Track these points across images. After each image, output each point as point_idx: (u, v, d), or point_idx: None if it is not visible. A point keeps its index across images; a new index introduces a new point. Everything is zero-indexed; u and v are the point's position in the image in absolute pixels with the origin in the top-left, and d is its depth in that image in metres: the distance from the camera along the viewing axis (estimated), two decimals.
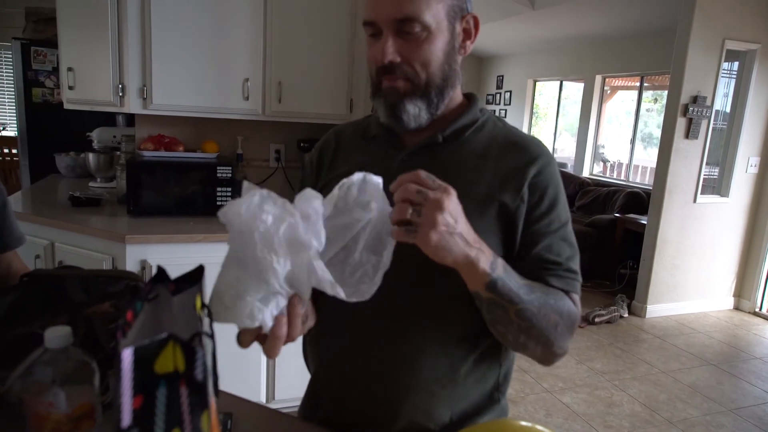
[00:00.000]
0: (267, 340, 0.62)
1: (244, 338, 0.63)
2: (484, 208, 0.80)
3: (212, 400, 0.52)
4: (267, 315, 0.61)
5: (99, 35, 2.22)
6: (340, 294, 0.61)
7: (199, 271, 0.61)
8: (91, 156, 2.82)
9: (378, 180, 0.67)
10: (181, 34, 2.22)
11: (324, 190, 0.76)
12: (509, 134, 0.87)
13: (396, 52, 0.77)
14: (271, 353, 0.63)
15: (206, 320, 0.55)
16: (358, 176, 0.66)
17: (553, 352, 0.79)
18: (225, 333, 2.21)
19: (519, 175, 0.81)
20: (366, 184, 0.67)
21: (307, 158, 1.01)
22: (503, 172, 0.82)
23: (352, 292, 0.64)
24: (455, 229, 0.66)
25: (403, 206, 0.64)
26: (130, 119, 2.99)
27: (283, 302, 0.63)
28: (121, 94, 2.23)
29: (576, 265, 0.83)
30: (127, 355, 0.45)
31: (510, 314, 0.73)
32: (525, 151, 0.83)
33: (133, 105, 2.24)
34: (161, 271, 0.60)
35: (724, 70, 3.90)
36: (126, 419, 0.46)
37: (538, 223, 0.81)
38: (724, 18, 3.75)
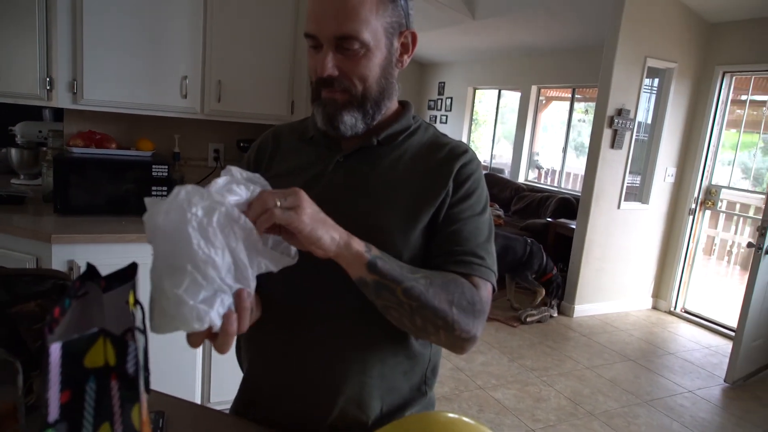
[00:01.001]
0: (218, 337, 0.63)
1: (193, 339, 0.64)
2: (412, 211, 0.84)
3: (143, 396, 0.53)
4: (214, 315, 0.60)
5: (25, 24, 2.11)
6: (287, 262, 0.67)
7: (132, 268, 0.61)
8: (13, 151, 2.66)
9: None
10: (117, 25, 2.15)
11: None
12: (438, 138, 0.93)
13: (335, 67, 0.80)
14: (223, 349, 0.65)
15: (139, 316, 0.56)
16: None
17: (458, 336, 0.78)
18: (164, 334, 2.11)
19: (445, 172, 0.86)
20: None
21: (245, 157, 1.02)
22: (431, 171, 0.87)
23: (287, 260, 0.69)
24: (320, 213, 0.70)
25: (266, 200, 0.66)
26: (58, 114, 2.85)
27: (228, 299, 0.63)
28: (48, 88, 2.13)
29: (484, 251, 0.84)
30: (55, 350, 0.46)
31: (398, 294, 0.74)
32: (451, 151, 0.89)
33: (61, 99, 2.15)
34: (91, 268, 0.60)
35: (645, 85, 4.19)
36: (53, 413, 0.47)
37: (451, 209, 0.85)
38: (646, 37, 4.04)
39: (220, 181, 0.65)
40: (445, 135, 0.95)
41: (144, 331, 0.55)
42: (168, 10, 2.22)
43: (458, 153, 0.88)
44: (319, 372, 0.86)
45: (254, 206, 0.65)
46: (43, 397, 0.46)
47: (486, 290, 0.83)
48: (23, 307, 0.84)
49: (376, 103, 0.86)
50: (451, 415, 0.90)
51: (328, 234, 0.69)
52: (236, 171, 0.68)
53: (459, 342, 0.79)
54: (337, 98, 0.83)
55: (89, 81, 2.15)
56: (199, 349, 2.18)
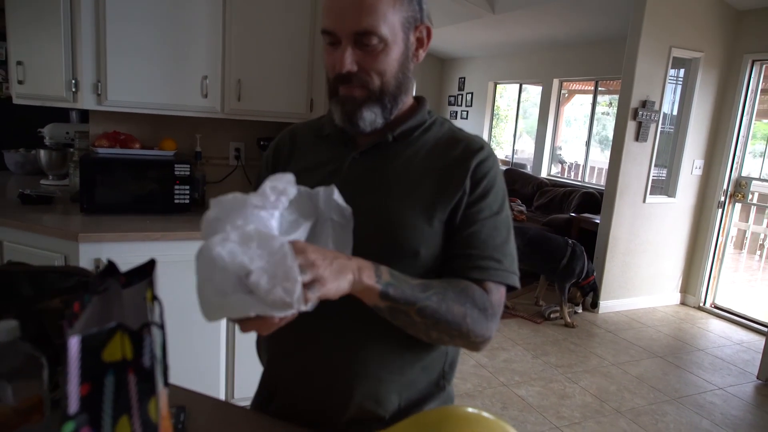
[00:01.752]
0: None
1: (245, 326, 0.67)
2: (429, 207, 0.84)
3: (162, 389, 0.54)
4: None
5: (51, 28, 2.16)
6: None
7: (150, 265, 0.62)
8: (42, 152, 2.74)
9: (339, 199, 0.76)
10: (138, 28, 2.19)
11: None
12: (453, 133, 0.92)
13: (354, 62, 0.80)
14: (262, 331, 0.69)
15: (157, 311, 0.56)
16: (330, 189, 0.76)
17: (473, 341, 0.81)
18: (183, 330, 2.19)
19: (462, 168, 0.85)
20: (331, 196, 0.76)
21: (264, 157, 1.03)
22: (447, 168, 0.86)
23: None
24: (334, 261, 0.68)
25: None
26: (84, 115, 2.92)
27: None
28: (74, 90, 2.18)
29: (502, 253, 0.84)
30: (74, 344, 0.47)
31: (412, 316, 0.76)
32: (467, 146, 0.88)
33: (86, 101, 2.19)
34: (111, 264, 0.61)
35: (671, 76, 4.09)
36: (73, 406, 0.47)
37: (469, 209, 0.85)
38: (670, 27, 3.94)
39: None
40: (461, 129, 0.94)
41: (162, 327, 0.56)
42: (188, 12, 2.25)
43: (474, 149, 0.87)
44: (337, 367, 0.86)
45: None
46: (63, 390, 0.47)
47: (499, 293, 0.84)
48: (49, 303, 0.86)
49: (394, 97, 0.86)
50: (470, 409, 0.89)
51: (346, 280, 0.70)
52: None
53: (474, 345, 0.83)
54: (356, 95, 0.83)
55: (112, 82, 2.19)
56: (223, 346, 2.21)
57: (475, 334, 0.80)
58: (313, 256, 0.66)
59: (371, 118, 0.85)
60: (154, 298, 0.60)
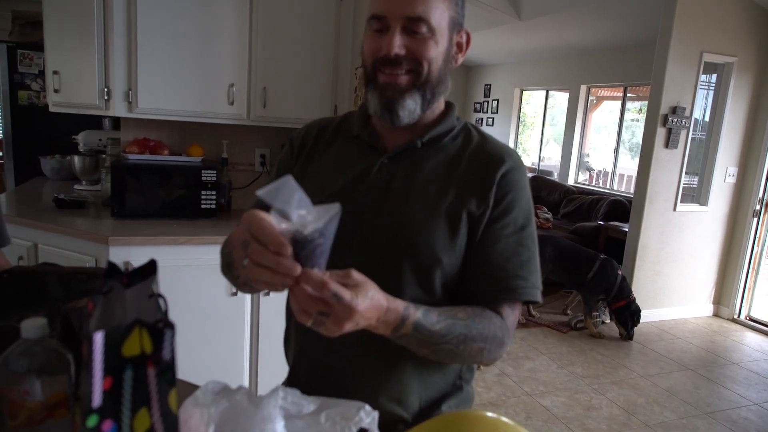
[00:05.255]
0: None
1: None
2: (453, 216, 0.84)
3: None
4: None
5: (85, 39, 2.24)
6: None
7: (151, 265, 0.64)
8: (76, 159, 2.83)
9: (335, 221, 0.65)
10: (167, 39, 2.25)
11: (302, 180, 0.72)
12: (482, 142, 0.91)
13: (402, 46, 0.81)
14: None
15: (163, 307, 0.58)
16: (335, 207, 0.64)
17: (485, 363, 0.85)
18: (208, 328, 2.21)
19: (487, 181, 0.85)
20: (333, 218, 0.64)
21: (290, 138, 1.01)
22: (472, 179, 0.86)
23: None
24: (359, 325, 0.67)
25: (313, 304, 0.64)
26: (116, 122, 3.01)
27: None
28: (106, 98, 2.25)
29: (528, 272, 0.84)
30: (98, 339, 0.48)
31: (424, 352, 0.78)
32: (494, 157, 0.87)
33: (118, 108, 2.26)
34: (112, 266, 0.62)
35: (702, 81, 4.00)
36: (96, 400, 0.49)
37: (494, 224, 0.84)
38: (702, 32, 3.86)
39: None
40: (490, 137, 0.93)
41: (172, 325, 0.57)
42: (215, 23, 2.31)
43: (501, 160, 0.87)
44: (362, 370, 0.87)
45: (306, 301, 0.64)
46: (86, 384, 0.49)
47: (516, 313, 0.86)
48: (77, 303, 0.89)
49: (434, 90, 0.86)
50: (489, 414, 0.88)
51: (359, 326, 0.68)
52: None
53: (484, 365, 0.86)
54: (401, 81, 0.83)
55: (143, 91, 2.25)
56: (247, 345, 2.23)
57: (488, 359, 0.83)
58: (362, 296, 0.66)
59: (412, 106, 0.84)
60: (159, 295, 0.61)
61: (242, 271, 0.63)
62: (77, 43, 2.28)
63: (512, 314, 0.85)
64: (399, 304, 0.72)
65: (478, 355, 0.79)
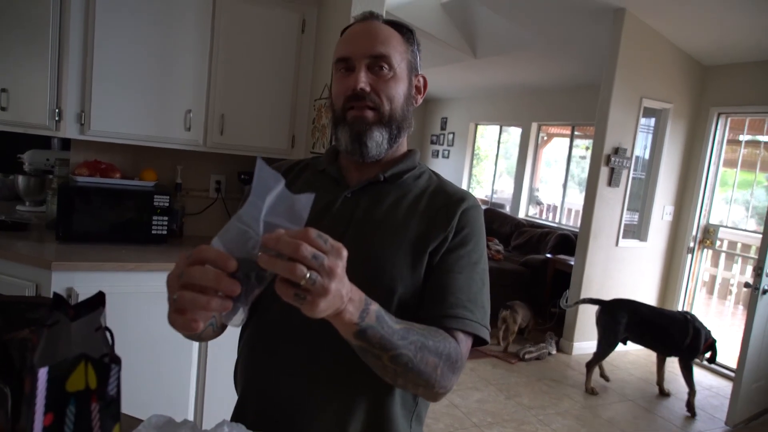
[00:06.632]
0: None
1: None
2: (412, 248, 0.88)
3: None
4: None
5: (37, 56, 2.19)
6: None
7: (99, 297, 0.64)
8: (20, 178, 2.73)
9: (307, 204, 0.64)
10: (125, 62, 2.24)
11: None
12: (443, 184, 0.98)
13: (367, 83, 0.89)
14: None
15: (109, 341, 0.58)
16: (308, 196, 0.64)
17: (436, 391, 0.81)
18: (154, 359, 2.17)
19: (449, 213, 0.91)
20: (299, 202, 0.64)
21: (275, 165, 1.04)
22: (434, 212, 0.91)
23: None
24: (340, 293, 0.62)
25: (297, 268, 0.57)
26: (66, 143, 2.92)
27: None
28: (57, 119, 2.20)
29: (474, 304, 0.86)
30: (42, 374, 0.49)
31: (383, 361, 0.74)
32: (455, 196, 0.94)
33: (69, 130, 2.21)
34: (58, 297, 0.63)
35: (642, 125, 4.27)
36: None
37: (449, 253, 0.88)
38: (641, 79, 4.14)
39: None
40: (450, 183, 1.00)
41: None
42: (176, 47, 2.31)
43: (462, 198, 0.94)
44: (312, 405, 0.87)
45: (283, 243, 0.57)
46: (27, 420, 0.49)
47: (467, 345, 0.86)
48: (16, 333, 0.87)
49: (399, 127, 0.93)
50: None
51: (333, 307, 0.63)
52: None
53: (434, 396, 0.82)
54: (367, 116, 0.90)
55: (97, 113, 2.22)
56: (194, 375, 2.18)
57: (440, 386, 0.80)
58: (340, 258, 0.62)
59: (379, 139, 0.91)
60: (106, 328, 0.62)
61: (171, 306, 0.58)
62: (29, 61, 2.23)
63: (465, 343, 0.85)
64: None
65: (433, 372, 0.77)
